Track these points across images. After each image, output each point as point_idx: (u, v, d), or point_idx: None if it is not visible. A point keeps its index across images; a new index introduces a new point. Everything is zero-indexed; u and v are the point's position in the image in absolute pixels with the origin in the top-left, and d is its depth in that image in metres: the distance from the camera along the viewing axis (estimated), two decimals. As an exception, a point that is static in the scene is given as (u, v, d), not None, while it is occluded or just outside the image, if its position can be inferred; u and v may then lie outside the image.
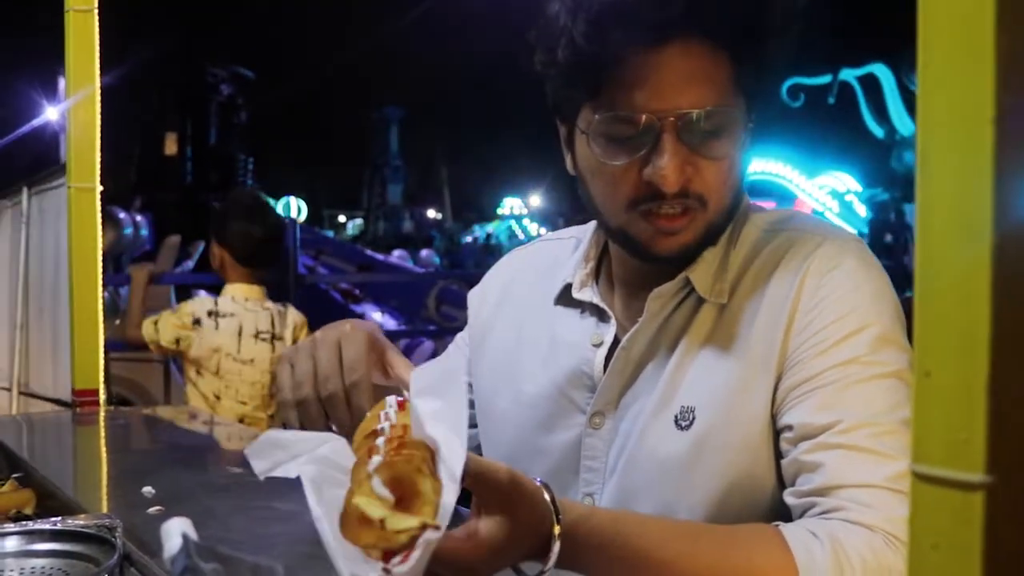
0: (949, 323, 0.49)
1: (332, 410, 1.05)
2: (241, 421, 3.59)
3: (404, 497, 0.72)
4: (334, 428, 1.05)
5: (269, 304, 3.69)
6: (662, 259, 1.13)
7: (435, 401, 0.78)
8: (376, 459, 0.73)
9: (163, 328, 3.61)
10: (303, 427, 1.04)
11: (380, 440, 0.77)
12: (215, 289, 4.00)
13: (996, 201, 0.48)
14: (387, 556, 0.70)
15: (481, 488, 0.84)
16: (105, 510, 1.37)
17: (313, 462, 0.79)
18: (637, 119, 1.05)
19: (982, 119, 0.48)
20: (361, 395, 1.04)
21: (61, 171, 2.90)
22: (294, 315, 3.78)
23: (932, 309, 0.50)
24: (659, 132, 1.05)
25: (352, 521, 0.70)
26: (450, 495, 0.73)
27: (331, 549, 0.70)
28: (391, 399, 0.86)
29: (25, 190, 3.35)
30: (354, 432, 0.93)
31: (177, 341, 3.60)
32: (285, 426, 1.06)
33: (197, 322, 3.61)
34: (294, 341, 3.74)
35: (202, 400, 3.65)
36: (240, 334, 3.61)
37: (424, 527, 0.69)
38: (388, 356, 1.12)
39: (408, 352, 7.12)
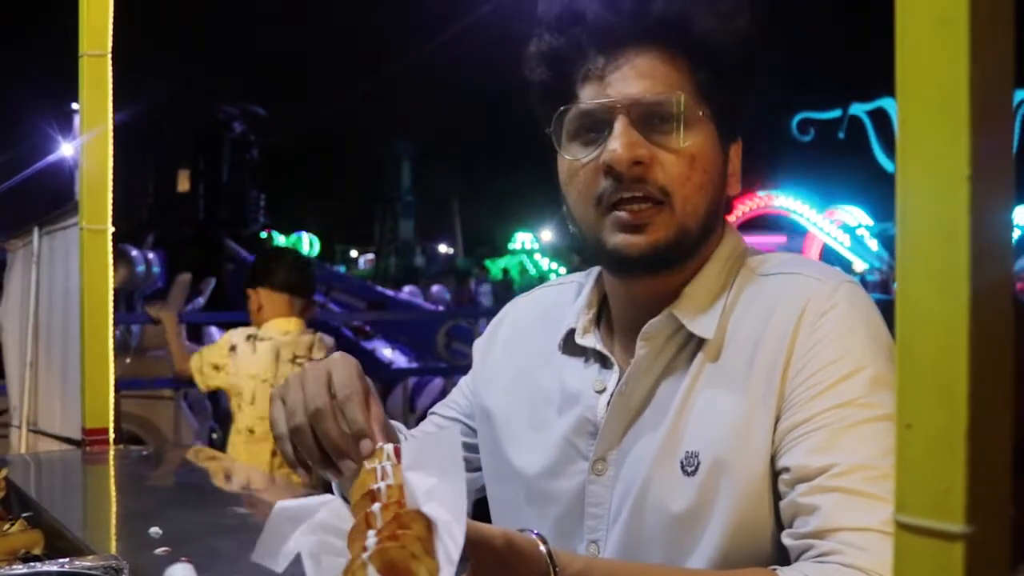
0: (929, 376, 0.50)
1: (320, 425, 0.99)
2: (274, 455, 3.57)
3: None
4: (326, 474, 1.04)
5: (307, 333, 3.74)
6: (635, 263, 1.14)
7: (429, 478, 0.78)
8: (372, 540, 0.74)
9: (207, 355, 3.71)
10: (299, 459, 1.01)
11: (376, 506, 0.78)
12: (227, 327, 4.04)
13: (973, 257, 0.49)
14: None
15: (478, 554, 0.86)
16: (113, 550, 1.38)
17: (311, 532, 0.80)
18: (593, 108, 1.13)
19: (958, 177, 0.49)
20: (354, 408, 0.98)
21: (72, 212, 2.92)
22: (327, 340, 3.84)
23: (912, 362, 0.51)
24: (611, 119, 1.11)
25: None
26: None
27: None
28: (388, 447, 0.87)
29: (36, 230, 3.39)
30: (343, 453, 0.96)
31: (216, 367, 3.68)
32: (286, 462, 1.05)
33: (233, 348, 3.66)
34: None
35: (238, 439, 3.63)
36: (277, 358, 3.64)
37: None
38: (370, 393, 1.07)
39: (418, 390, 7.11)
